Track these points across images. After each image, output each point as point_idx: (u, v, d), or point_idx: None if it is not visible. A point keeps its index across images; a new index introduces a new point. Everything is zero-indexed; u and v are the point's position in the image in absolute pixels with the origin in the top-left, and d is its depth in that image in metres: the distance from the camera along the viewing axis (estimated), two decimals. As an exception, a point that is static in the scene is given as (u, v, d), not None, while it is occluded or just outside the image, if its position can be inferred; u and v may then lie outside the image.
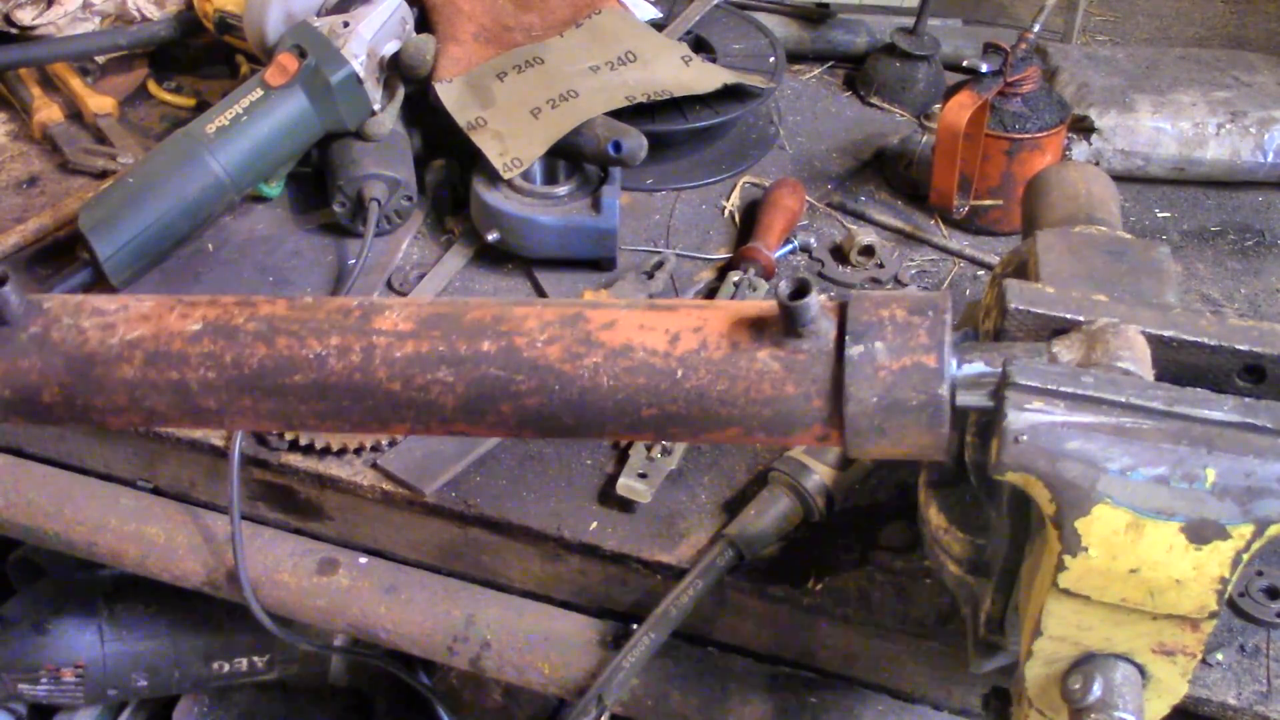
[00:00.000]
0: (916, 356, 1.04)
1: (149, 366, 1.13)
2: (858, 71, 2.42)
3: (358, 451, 1.61)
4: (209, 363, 1.13)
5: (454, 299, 1.17)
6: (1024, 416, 0.99)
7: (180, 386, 1.14)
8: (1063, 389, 1.00)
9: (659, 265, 1.89)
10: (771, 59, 2.24)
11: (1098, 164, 2.10)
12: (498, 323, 1.12)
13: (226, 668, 2.20)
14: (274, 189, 1.96)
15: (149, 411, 1.15)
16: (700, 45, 2.27)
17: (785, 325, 1.06)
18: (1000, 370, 1.04)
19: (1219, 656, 1.41)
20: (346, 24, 1.88)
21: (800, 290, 1.03)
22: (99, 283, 1.78)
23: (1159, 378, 1.08)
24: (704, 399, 1.08)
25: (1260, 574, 1.47)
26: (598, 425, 1.11)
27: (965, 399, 1.05)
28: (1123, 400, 0.99)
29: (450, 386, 1.11)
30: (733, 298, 1.81)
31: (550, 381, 1.09)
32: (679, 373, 1.08)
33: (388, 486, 1.59)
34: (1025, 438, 0.99)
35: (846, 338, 1.05)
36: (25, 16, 2.14)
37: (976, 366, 1.06)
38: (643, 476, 1.57)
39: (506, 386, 1.10)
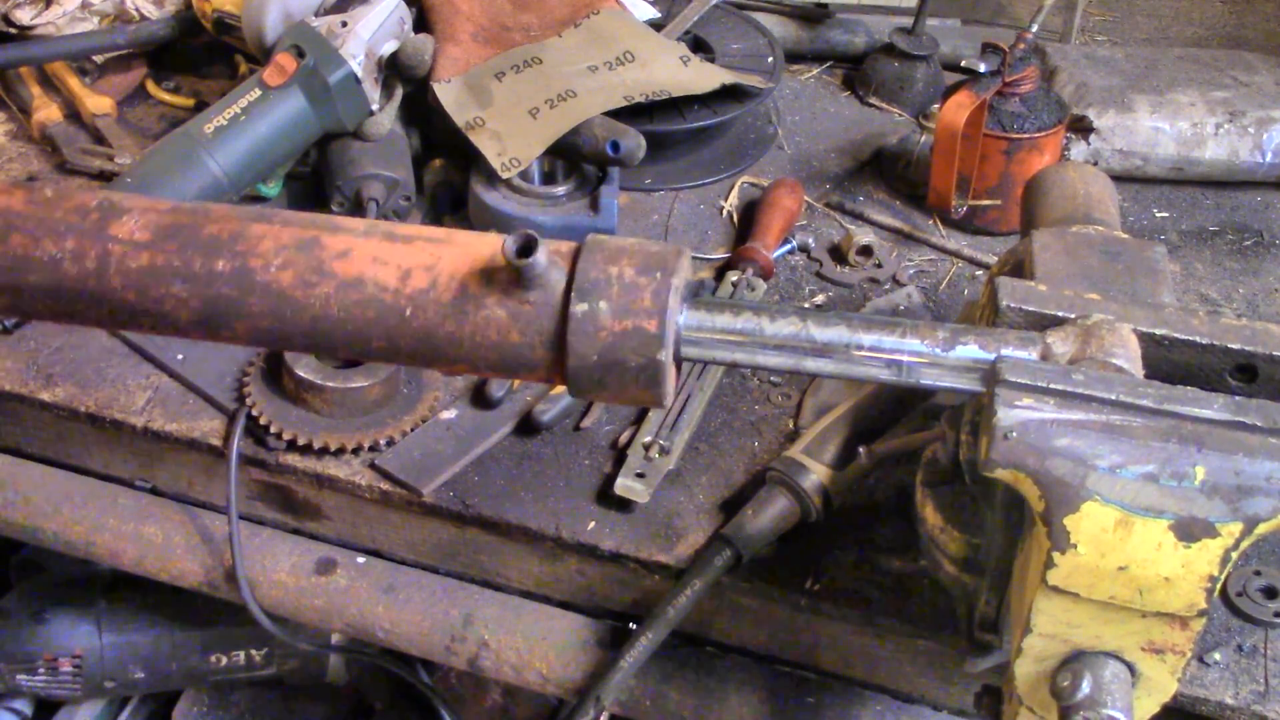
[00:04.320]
0: (638, 320, 1.06)
1: None
2: (856, 71, 2.42)
3: (355, 451, 1.61)
4: None
5: (196, 205, 1.19)
6: (1013, 414, 1.00)
7: None
8: (1052, 386, 1.01)
9: (657, 265, 1.88)
10: (770, 59, 2.24)
11: (1096, 164, 2.10)
12: (234, 241, 1.13)
13: (224, 661, 2.20)
14: (272, 189, 1.96)
15: None
16: (699, 45, 2.27)
17: (511, 280, 1.08)
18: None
19: (1216, 656, 1.41)
20: (345, 24, 1.88)
21: (526, 248, 1.05)
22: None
23: (1151, 376, 1.08)
24: (432, 338, 1.10)
25: (1258, 573, 1.47)
26: (331, 350, 1.14)
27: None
28: (1112, 398, 1.00)
29: (185, 302, 1.12)
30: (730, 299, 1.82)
31: (283, 307, 1.11)
32: (408, 310, 1.10)
33: (386, 486, 1.59)
34: (1014, 434, 0.99)
35: (573, 294, 1.07)
36: (24, 16, 2.14)
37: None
38: (640, 476, 1.57)
39: (240, 308, 1.12)
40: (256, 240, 1.13)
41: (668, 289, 1.07)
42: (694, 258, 1.95)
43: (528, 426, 1.65)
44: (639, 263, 1.08)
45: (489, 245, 1.11)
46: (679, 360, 1.12)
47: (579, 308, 1.07)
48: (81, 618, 2.17)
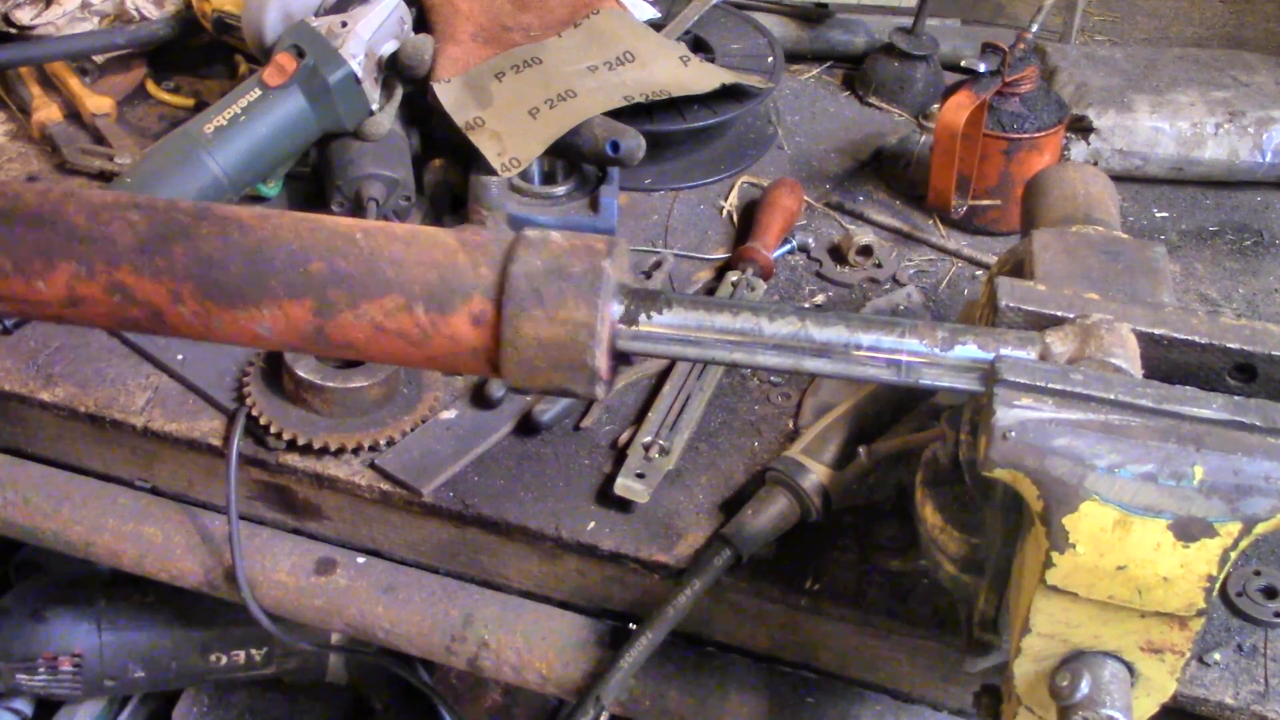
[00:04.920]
0: (588, 242, 1.10)
1: None
2: (856, 71, 2.42)
3: (355, 451, 1.61)
4: None
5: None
6: (1012, 413, 1.00)
7: None
8: (1051, 386, 1.01)
9: (657, 265, 1.89)
10: (770, 59, 2.24)
11: (1096, 164, 2.10)
12: (206, 204, 1.17)
13: (224, 660, 2.20)
14: (272, 189, 1.96)
15: None
16: (699, 45, 2.27)
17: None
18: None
19: (1216, 656, 1.41)
20: (344, 24, 1.88)
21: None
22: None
23: (1150, 376, 1.08)
24: (374, 258, 1.11)
25: (1258, 573, 1.47)
26: (262, 279, 1.12)
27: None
28: (1111, 398, 1.00)
29: (134, 225, 1.13)
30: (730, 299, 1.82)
31: (232, 229, 1.13)
32: (358, 235, 1.12)
33: (385, 486, 1.59)
34: (1013, 434, 0.99)
35: (525, 227, 1.12)
36: (24, 16, 2.14)
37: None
38: (640, 476, 1.57)
39: (188, 230, 1.13)
40: (226, 205, 1.17)
41: (618, 248, 1.11)
42: (693, 258, 1.95)
43: (528, 426, 1.65)
44: (576, 239, 1.13)
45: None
46: (622, 355, 1.14)
47: (533, 232, 1.11)
48: (81, 617, 2.17)
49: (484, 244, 1.11)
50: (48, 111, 2.11)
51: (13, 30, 2.16)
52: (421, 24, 2.05)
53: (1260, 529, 0.98)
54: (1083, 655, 1.07)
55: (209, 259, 1.12)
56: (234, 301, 1.13)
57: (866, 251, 1.95)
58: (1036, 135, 1.96)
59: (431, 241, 1.11)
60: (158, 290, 1.14)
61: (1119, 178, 1.92)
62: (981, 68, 1.92)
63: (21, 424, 1.79)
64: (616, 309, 1.10)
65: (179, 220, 1.13)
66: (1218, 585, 1.00)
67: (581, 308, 1.07)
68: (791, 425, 1.67)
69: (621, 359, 1.14)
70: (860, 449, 1.44)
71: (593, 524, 1.55)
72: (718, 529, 1.51)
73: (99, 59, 2.19)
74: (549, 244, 1.09)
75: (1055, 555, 1.01)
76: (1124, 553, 0.99)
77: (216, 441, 1.64)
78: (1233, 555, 0.99)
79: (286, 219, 1.13)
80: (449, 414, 1.66)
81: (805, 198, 2.05)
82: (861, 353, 1.09)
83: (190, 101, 2.21)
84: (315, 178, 1.97)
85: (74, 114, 2.13)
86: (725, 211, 2.06)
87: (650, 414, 1.65)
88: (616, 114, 1.93)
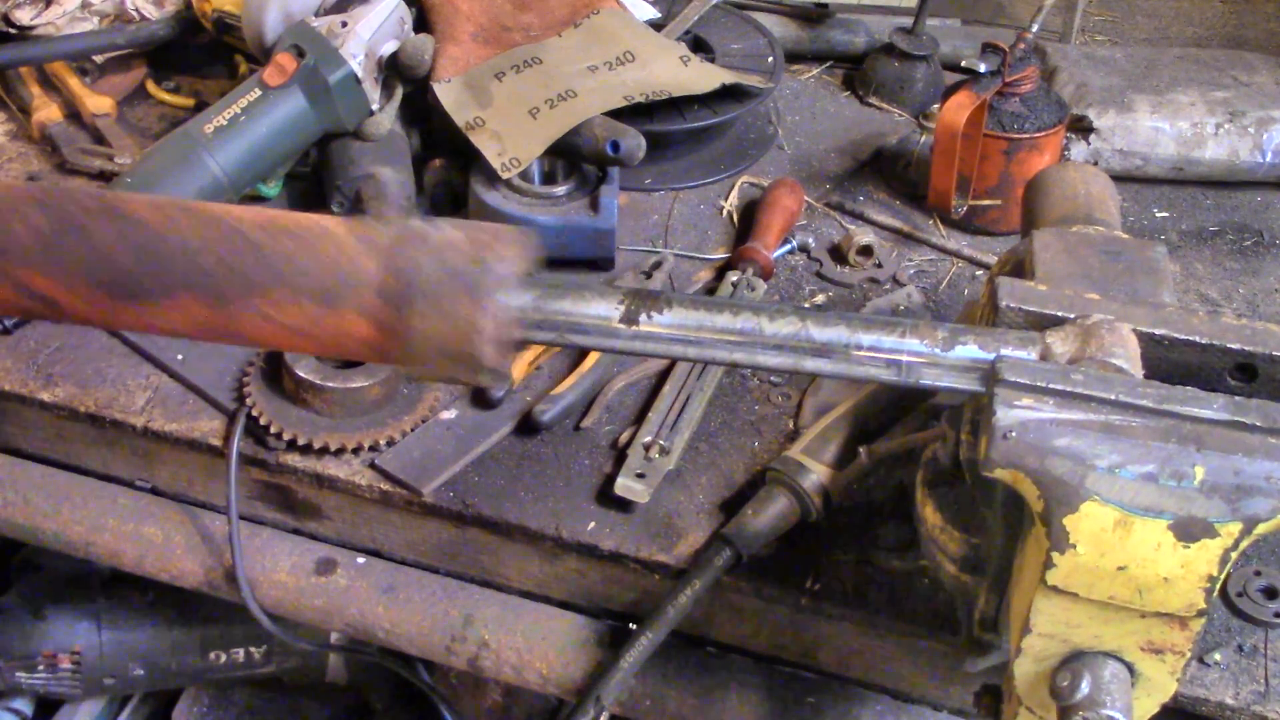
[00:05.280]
0: (477, 235, 1.11)
1: None
2: (856, 71, 2.42)
3: (355, 451, 1.61)
4: None
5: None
6: (1012, 413, 1.00)
7: None
8: (1052, 386, 1.01)
9: (657, 265, 1.89)
10: (770, 59, 2.24)
11: (1096, 164, 2.10)
12: (105, 192, 1.16)
13: (224, 658, 2.20)
14: (272, 189, 1.96)
15: None
16: (699, 45, 2.27)
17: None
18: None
19: (1217, 656, 1.41)
20: (345, 24, 1.88)
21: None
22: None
23: (1151, 376, 1.08)
24: (265, 253, 1.12)
25: (1258, 574, 1.47)
26: (154, 274, 1.14)
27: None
28: (1112, 398, 1.00)
29: (38, 228, 1.14)
30: (730, 298, 1.82)
31: (130, 228, 1.14)
32: (251, 229, 1.13)
33: (386, 486, 1.59)
34: (1014, 434, 0.99)
35: (412, 221, 1.12)
36: (24, 16, 2.14)
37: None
38: (641, 476, 1.57)
39: (86, 227, 1.14)
40: (128, 196, 1.17)
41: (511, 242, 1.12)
42: (693, 258, 1.95)
43: (528, 426, 1.65)
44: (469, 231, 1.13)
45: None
46: (524, 340, 1.15)
47: (419, 224, 1.11)
48: (81, 615, 2.17)
49: (373, 239, 1.11)
50: (48, 111, 2.11)
51: (13, 30, 2.16)
52: (421, 24, 2.05)
53: (1261, 529, 0.98)
54: (1083, 655, 1.07)
55: (103, 254, 1.14)
56: (129, 296, 1.15)
57: (866, 251, 1.95)
58: (1036, 135, 1.96)
59: (323, 234, 1.12)
60: (52, 285, 1.16)
61: (1119, 178, 1.91)
62: (981, 68, 1.92)
63: (21, 424, 1.78)
64: (507, 300, 1.11)
65: (77, 217, 1.14)
66: (1218, 585, 1.01)
67: (468, 307, 1.09)
68: (791, 425, 1.67)
69: (519, 346, 1.16)
70: (860, 449, 1.44)
71: (593, 524, 1.55)
72: (718, 529, 1.51)
73: (99, 59, 2.19)
74: (437, 239, 1.10)
75: (1056, 555, 1.01)
76: (1124, 553, 0.99)
77: (216, 441, 1.64)
78: (1233, 555, 0.99)
79: (183, 213, 1.14)
80: (449, 414, 1.66)
81: (805, 198, 2.05)
82: (862, 353, 1.09)
83: (190, 101, 2.21)
84: (315, 178, 1.97)
85: (74, 114, 2.13)
86: (725, 211, 2.06)
87: (650, 414, 1.65)
88: (616, 114, 1.93)
